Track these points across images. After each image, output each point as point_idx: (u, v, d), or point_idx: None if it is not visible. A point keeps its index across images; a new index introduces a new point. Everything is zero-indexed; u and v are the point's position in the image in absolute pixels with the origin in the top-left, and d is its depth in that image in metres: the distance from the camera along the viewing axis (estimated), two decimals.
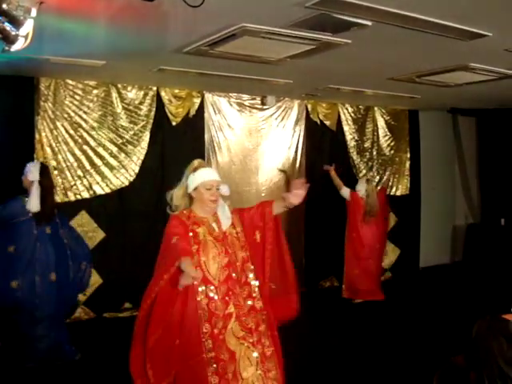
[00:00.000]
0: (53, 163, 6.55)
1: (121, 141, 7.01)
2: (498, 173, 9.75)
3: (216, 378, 3.37)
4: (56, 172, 6.58)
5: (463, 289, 8.30)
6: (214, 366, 3.37)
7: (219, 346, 3.40)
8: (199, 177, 3.64)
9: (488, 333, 2.37)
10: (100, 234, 6.90)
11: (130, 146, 7.07)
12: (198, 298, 3.39)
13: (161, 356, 3.43)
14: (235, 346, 3.44)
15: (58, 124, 6.63)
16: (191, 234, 3.51)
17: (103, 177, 6.91)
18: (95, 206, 6.89)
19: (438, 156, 10.14)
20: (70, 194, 6.69)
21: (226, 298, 3.45)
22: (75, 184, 6.73)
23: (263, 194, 8.08)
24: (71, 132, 6.70)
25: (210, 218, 3.63)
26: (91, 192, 6.83)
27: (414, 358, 5.26)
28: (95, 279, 6.84)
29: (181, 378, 3.44)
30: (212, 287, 3.41)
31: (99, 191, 6.88)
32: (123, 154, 7.03)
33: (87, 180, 6.81)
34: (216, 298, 3.42)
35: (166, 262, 3.52)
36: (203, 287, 3.41)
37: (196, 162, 3.81)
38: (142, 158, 7.14)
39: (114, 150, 6.98)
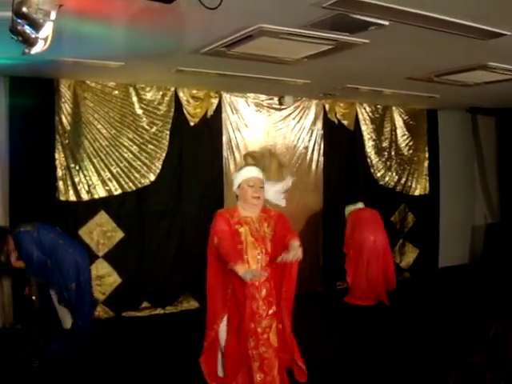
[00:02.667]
0: (73, 164, 6.64)
1: (141, 141, 7.07)
2: None
3: (261, 374, 3.42)
4: (76, 172, 6.65)
5: (482, 289, 8.23)
6: (258, 363, 3.41)
7: (263, 344, 3.45)
8: (243, 174, 3.69)
9: (505, 334, 2.36)
10: (119, 234, 6.96)
11: (150, 146, 7.13)
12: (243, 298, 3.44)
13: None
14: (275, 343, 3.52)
15: (78, 125, 6.70)
16: (235, 233, 3.58)
17: (124, 176, 6.97)
18: (114, 205, 6.94)
19: (457, 156, 10.06)
20: (89, 193, 6.75)
21: (270, 298, 3.48)
22: (95, 184, 6.80)
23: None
24: (92, 133, 6.78)
25: (254, 218, 3.63)
26: (111, 192, 6.89)
27: (432, 358, 5.24)
28: (114, 278, 6.91)
29: None
30: (253, 287, 3.44)
31: (119, 191, 6.94)
32: (144, 154, 7.09)
33: (108, 179, 6.88)
34: (258, 297, 3.44)
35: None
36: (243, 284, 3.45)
37: (248, 160, 3.89)
38: (162, 158, 7.19)
39: (135, 150, 7.04)
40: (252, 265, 3.47)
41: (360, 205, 7.84)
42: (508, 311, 5.90)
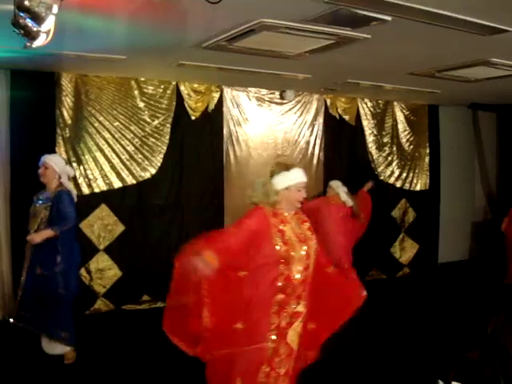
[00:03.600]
0: (74, 157, 6.64)
1: (143, 134, 7.08)
2: None
3: (268, 368, 3.43)
4: (76, 165, 6.66)
5: (481, 285, 8.25)
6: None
7: (281, 339, 3.45)
8: (293, 177, 3.60)
9: (504, 329, 2.38)
10: (120, 227, 6.97)
11: (151, 139, 7.14)
12: (274, 292, 3.43)
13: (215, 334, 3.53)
14: (295, 345, 3.50)
15: (79, 118, 6.70)
16: (279, 233, 3.49)
17: (125, 170, 6.99)
18: (115, 199, 6.95)
19: (458, 151, 10.06)
20: (90, 187, 6.76)
21: (302, 297, 3.49)
22: (96, 177, 6.81)
23: None
24: (93, 126, 6.79)
25: (293, 217, 3.64)
26: (112, 185, 6.91)
27: (431, 354, 5.25)
28: (115, 272, 6.93)
29: (237, 360, 3.50)
30: (291, 285, 3.44)
31: (120, 184, 6.96)
32: (146, 147, 7.10)
33: (109, 173, 6.90)
34: (291, 294, 3.45)
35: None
36: (282, 282, 3.44)
37: (286, 159, 3.88)
38: (163, 151, 7.20)
39: (137, 143, 7.05)
40: (297, 265, 3.47)
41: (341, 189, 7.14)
42: (507, 307, 5.91)
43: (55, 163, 5.09)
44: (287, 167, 3.63)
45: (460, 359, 2.79)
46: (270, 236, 3.44)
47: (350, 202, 6.96)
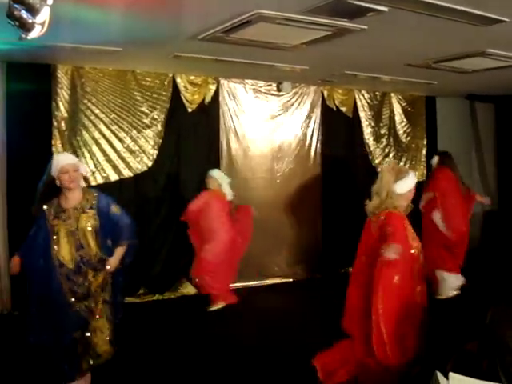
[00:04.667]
0: (70, 150, 6.61)
1: (140, 126, 7.06)
2: None
3: None
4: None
5: (479, 276, 8.25)
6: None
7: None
8: (410, 182, 4.00)
9: (501, 321, 2.38)
10: None
11: (148, 131, 7.11)
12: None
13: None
14: None
15: (75, 110, 6.67)
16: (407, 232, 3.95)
17: (122, 162, 6.97)
18: (112, 192, 6.88)
19: (455, 143, 10.02)
20: (86, 180, 6.72)
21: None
22: (92, 170, 6.78)
23: (278, 181, 8.08)
24: (89, 119, 6.76)
25: None
26: (108, 178, 6.88)
27: (428, 345, 5.24)
28: None
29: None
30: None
31: (117, 177, 6.94)
32: (142, 140, 7.08)
33: (105, 166, 6.87)
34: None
35: None
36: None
37: (400, 165, 4.25)
38: (160, 143, 7.18)
39: (134, 135, 7.03)
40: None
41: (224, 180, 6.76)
42: (505, 298, 5.91)
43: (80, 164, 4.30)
44: (407, 172, 4.05)
45: (458, 350, 2.80)
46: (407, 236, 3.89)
47: (230, 196, 6.67)
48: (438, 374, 2.25)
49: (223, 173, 6.91)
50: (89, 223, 4.03)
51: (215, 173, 6.74)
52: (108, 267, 4.05)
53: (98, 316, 4.08)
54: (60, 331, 3.99)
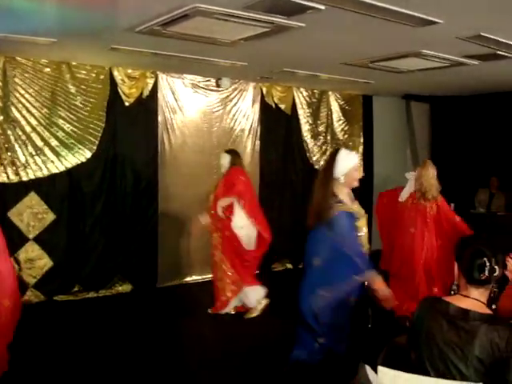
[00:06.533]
0: (1, 142, 6.40)
1: (75, 119, 6.88)
2: (450, 159, 9.91)
3: None
4: (5, 153, 6.43)
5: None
6: None
7: None
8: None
9: (428, 314, 2.43)
10: (50, 216, 6.77)
11: (83, 125, 6.94)
12: None
13: None
14: None
15: (8, 103, 6.45)
16: None
17: (56, 156, 6.77)
18: (45, 186, 6.75)
19: (391, 141, 10.27)
20: (18, 175, 6.53)
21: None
22: (26, 164, 6.57)
23: (215, 177, 8.05)
24: (22, 111, 6.53)
25: None
26: (43, 172, 6.68)
27: (358, 339, 5.32)
28: (45, 262, 6.74)
29: None
30: None
31: (50, 171, 6.74)
32: (78, 133, 6.90)
33: (39, 160, 6.66)
34: None
35: None
36: None
37: None
38: (96, 137, 7.02)
39: (68, 128, 6.84)
40: None
41: None
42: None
43: None
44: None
45: (388, 343, 2.85)
46: None
47: None
48: (367, 367, 2.28)
49: None
50: None
51: None
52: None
53: None
54: None
